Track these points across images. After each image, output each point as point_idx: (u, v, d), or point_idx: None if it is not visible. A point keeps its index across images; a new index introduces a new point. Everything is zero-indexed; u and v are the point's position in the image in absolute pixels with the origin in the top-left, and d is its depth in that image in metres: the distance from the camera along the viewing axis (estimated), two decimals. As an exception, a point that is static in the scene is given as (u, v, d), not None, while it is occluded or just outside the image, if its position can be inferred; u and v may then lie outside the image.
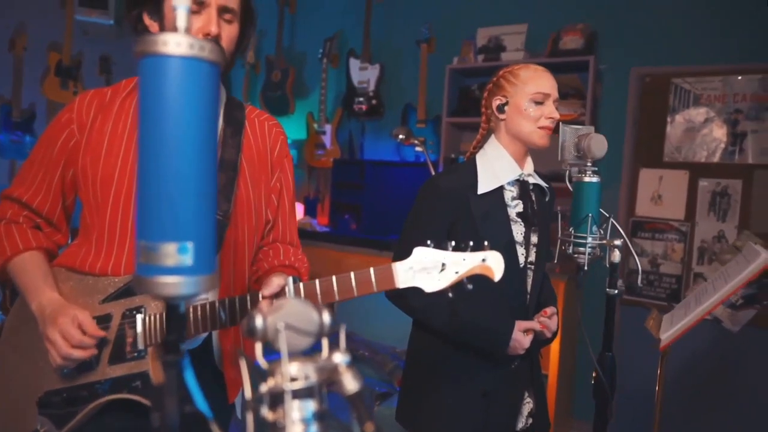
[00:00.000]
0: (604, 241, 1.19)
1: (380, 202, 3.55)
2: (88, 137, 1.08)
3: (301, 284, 0.95)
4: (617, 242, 1.17)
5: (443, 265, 0.87)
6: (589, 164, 1.23)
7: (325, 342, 0.58)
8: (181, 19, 0.57)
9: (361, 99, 3.63)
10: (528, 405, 1.43)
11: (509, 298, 1.35)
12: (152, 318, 0.99)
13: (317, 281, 0.93)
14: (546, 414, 1.46)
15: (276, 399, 0.52)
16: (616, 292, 1.23)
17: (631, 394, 2.63)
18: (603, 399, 1.23)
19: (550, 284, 1.54)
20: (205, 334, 1.11)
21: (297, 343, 0.56)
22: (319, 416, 0.52)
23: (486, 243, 0.87)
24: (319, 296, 0.92)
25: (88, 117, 1.09)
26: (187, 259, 0.55)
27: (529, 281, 1.38)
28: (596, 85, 2.91)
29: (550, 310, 1.37)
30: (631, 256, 2.39)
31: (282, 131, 1.25)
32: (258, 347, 0.56)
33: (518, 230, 1.35)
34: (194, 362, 1.12)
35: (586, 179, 1.21)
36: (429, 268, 0.87)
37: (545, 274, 1.48)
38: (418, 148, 2.86)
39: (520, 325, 1.32)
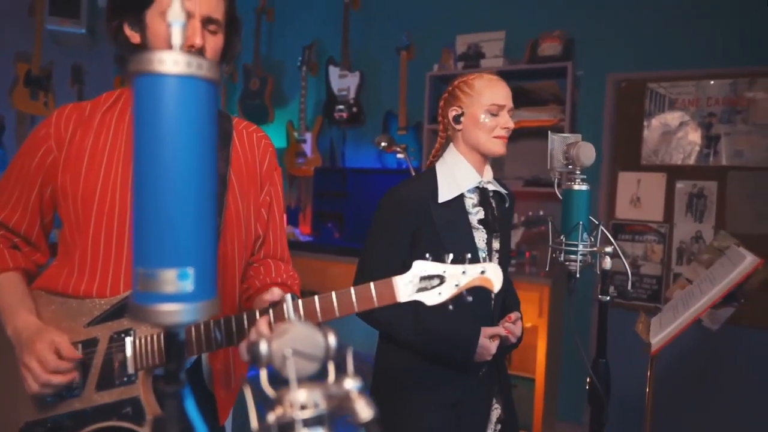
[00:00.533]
0: (595, 248, 1.20)
1: (363, 209, 3.53)
2: (67, 153, 1.04)
3: (299, 301, 0.92)
4: (608, 249, 1.18)
5: (443, 278, 0.86)
6: (578, 172, 1.24)
7: (330, 366, 0.57)
8: (176, 35, 0.55)
9: (342, 107, 3.61)
10: (496, 411, 1.43)
11: (473, 305, 1.33)
12: (143, 341, 0.95)
13: (316, 298, 0.91)
14: (515, 420, 1.46)
15: (285, 428, 0.50)
16: (608, 298, 1.24)
17: (619, 396, 2.66)
18: (598, 405, 1.24)
19: (514, 289, 1.55)
20: (194, 356, 1.08)
21: (303, 368, 0.55)
22: (330, 444, 0.50)
23: (484, 256, 0.87)
24: (318, 314, 0.90)
25: (66, 132, 1.05)
26: (188, 285, 0.53)
27: None
28: (574, 91, 2.95)
29: (514, 315, 1.38)
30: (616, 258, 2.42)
31: (270, 143, 1.22)
32: (263, 374, 0.55)
33: (480, 237, 1.36)
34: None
35: (576, 187, 1.22)
36: (429, 282, 0.86)
37: (509, 280, 1.48)
38: (400, 155, 2.86)
39: (486, 331, 1.31)
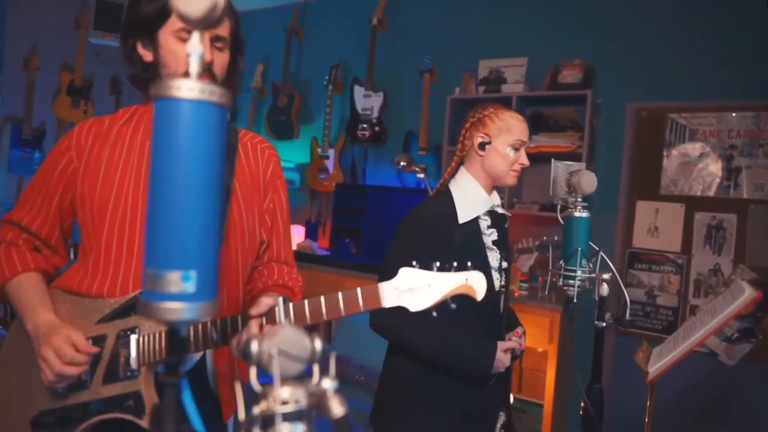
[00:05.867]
0: (593, 275, 1.22)
1: (380, 227, 3.59)
2: (86, 163, 1.12)
3: (290, 304, 0.98)
4: (606, 276, 1.20)
5: (428, 285, 0.90)
6: (579, 199, 1.27)
7: (315, 368, 0.62)
8: (194, 65, 0.62)
9: (365, 125, 3.70)
10: (501, 418, 1.52)
11: (485, 321, 1.41)
12: (147, 338, 1.01)
13: (306, 301, 0.96)
14: (513, 427, 1.56)
15: (267, 421, 0.55)
16: (605, 324, 1.26)
17: (624, 424, 2.62)
18: (591, 430, 1.25)
19: (510, 305, 1.64)
20: (198, 355, 1.14)
21: (289, 368, 0.60)
22: (308, 439, 0.55)
23: (469, 263, 0.90)
24: (307, 315, 0.95)
25: (86, 144, 1.13)
26: (190, 287, 0.59)
27: (501, 304, 1.46)
28: (594, 119, 2.97)
29: (520, 330, 1.50)
30: (626, 287, 2.41)
31: (275, 153, 1.28)
32: (252, 371, 0.60)
33: (494, 257, 1.43)
34: (189, 382, 1.14)
35: (576, 214, 1.26)
36: (414, 288, 0.89)
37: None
38: (419, 175, 2.92)
39: (502, 345, 1.40)
